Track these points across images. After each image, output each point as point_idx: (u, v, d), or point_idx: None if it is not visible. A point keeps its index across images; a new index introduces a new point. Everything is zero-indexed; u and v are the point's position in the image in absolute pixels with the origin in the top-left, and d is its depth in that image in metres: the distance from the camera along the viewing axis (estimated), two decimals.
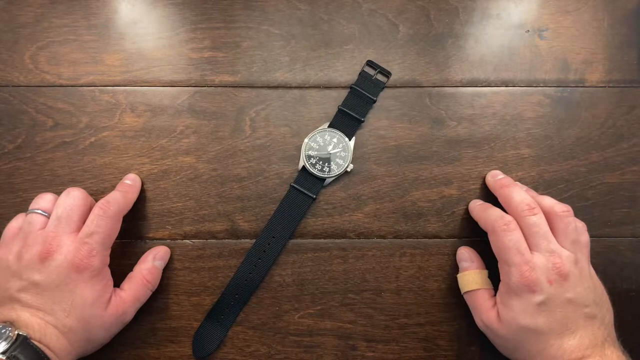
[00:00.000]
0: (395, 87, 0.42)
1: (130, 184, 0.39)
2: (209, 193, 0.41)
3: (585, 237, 0.37)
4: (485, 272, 0.38)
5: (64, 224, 0.34)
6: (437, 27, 0.42)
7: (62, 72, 0.41)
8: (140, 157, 0.41)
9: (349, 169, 0.40)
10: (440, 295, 0.40)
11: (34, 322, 0.32)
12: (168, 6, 0.42)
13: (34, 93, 0.41)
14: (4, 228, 0.37)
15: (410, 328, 0.40)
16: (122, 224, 0.37)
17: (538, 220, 0.35)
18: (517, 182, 0.40)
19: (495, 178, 0.40)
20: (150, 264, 0.38)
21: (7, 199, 0.40)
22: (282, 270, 0.40)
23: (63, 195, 0.36)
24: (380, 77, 0.42)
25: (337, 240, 0.41)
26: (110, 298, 0.35)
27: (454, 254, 0.40)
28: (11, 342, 0.30)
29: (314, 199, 0.40)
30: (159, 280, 0.39)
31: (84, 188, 0.38)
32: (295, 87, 0.42)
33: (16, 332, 0.30)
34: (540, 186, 0.41)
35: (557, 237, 0.35)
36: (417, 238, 0.41)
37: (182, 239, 0.40)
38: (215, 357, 0.40)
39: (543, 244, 0.34)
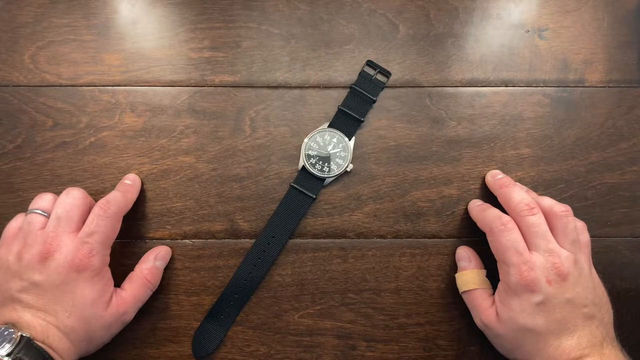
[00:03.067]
0: (395, 87, 0.42)
1: (130, 183, 0.39)
2: (209, 193, 0.41)
3: (585, 237, 0.37)
4: (484, 271, 0.38)
5: (64, 224, 0.34)
6: (437, 27, 0.42)
7: (62, 72, 0.41)
8: (140, 157, 0.41)
9: (348, 169, 0.40)
10: (439, 295, 0.40)
11: (36, 323, 0.32)
12: (168, 6, 0.42)
13: (34, 93, 0.41)
14: (3, 228, 0.37)
15: (409, 328, 0.40)
16: (122, 224, 0.37)
17: (537, 220, 0.35)
18: (517, 182, 0.40)
19: (495, 178, 0.40)
20: (151, 264, 0.38)
21: (7, 199, 0.40)
22: (282, 270, 0.40)
23: (63, 195, 0.36)
24: (380, 77, 0.42)
25: (336, 240, 0.41)
26: (110, 298, 0.35)
27: (454, 254, 0.40)
28: (15, 343, 0.30)
29: (314, 199, 0.40)
30: (159, 280, 0.39)
31: (84, 188, 0.38)
32: (295, 87, 0.42)
33: (19, 334, 0.30)
34: (539, 186, 0.41)
35: (557, 237, 0.35)
36: (417, 238, 0.41)
37: (182, 239, 0.40)
38: (215, 357, 0.40)
39: (542, 244, 0.34)
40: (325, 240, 0.41)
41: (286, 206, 0.40)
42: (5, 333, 0.30)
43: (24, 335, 0.30)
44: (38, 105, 0.41)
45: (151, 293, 0.38)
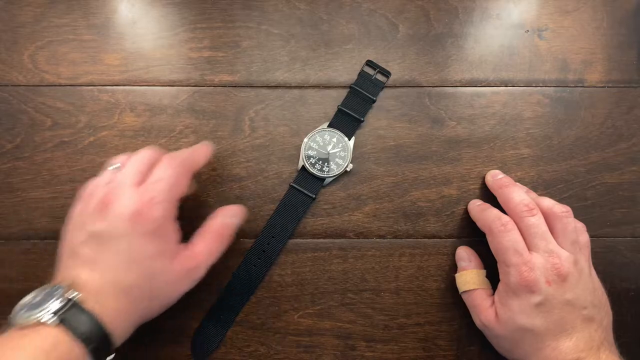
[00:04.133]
0: (395, 87, 0.42)
1: (200, 145, 0.38)
2: (209, 193, 0.41)
3: (584, 238, 0.37)
4: (483, 271, 0.38)
5: (130, 176, 0.33)
6: (437, 27, 0.42)
7: (61, 72, 0.41)
8: None
9: (348, 169, 0.40)
10: (439, 295, 0.40)
11: (93, 282, 0.30)
12: (167, 6, 0.42)
13: (33, 92, 0.41)
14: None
15: (409, 328, 0.40)
16: None
17: (537, 221, 0.35)
18: (517, 183, 0.40)
19: (495, 178, 0.40)
20: (224, 219, 0.36)
21: (6, 199, 0.40)
22: (282, 270, 0.40)
23: (135, 152, 0.35)
24: (379, 76, 0.42)
25: (336, 240, 0.41)
26: (176, 251, 0.33)
27: (454, 254, 0.40)
28: (64, 303, 0.28)
29: (314, 199, 0.40)
30: (231, 238, 0.37)
31: None
32: (295, 87, 0.42)
33: (70, 293, 0.29)
34: (539, 186, 0.41)
35: (557, 237, 0.35)
36: (417, 238, 0.41)
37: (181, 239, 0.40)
38: (215, 357, 0.39)
39: (542, 245, 0.34)
40: (325, 240, 0.41)
41: (286, 206, 0.40)
42: (56, 291, 0.29)
43: (74, 296, 0.29)
44: (37, 105, 0.41)
45: (223, 251, 0.36)
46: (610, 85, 0.42)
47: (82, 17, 0.42)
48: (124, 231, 0.31)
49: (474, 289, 0.38)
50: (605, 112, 0.42)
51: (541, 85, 0.42)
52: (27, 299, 0.29)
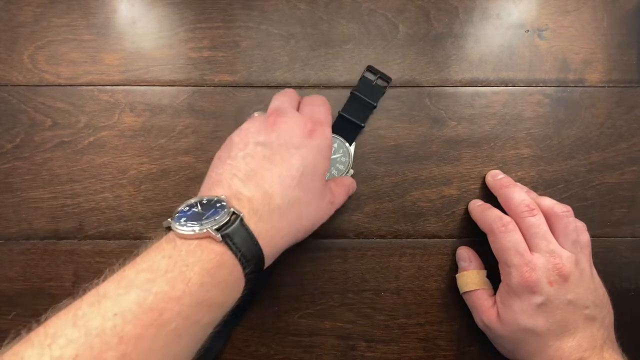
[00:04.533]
0: (395, 87, 0.42)
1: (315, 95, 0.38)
2: None
3: (585, 237, 0.37)
4: (484, 272, 0.38)
5: (286, 102, 0.34)
6: (437, 27, 0.42)
7: (61, 72, 0.41)
8: (139, 156, 0.41)
9: (349, 174, 0.40)
10: (439, 295, 0.40)
11: (257, 197, 0.29)
12: (167, 6, 0.42)
13: (32, 92, 0.41)
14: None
15: (409, 328, 0.40)
16: (120, 225, 0.37)
17: (537, 221, 0.35)
18: (517, 183, 0.40)
19: (495, 178, 0.40)
20: (352, 183, 0.38)
21: (5, 199, 0.40)
22: (282, 270, 0.40)
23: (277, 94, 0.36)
24: (380, 82, 0.42)
25: (336, 240, 0.41)
26: (325, 180, 0.33)
27: (454, 254, 0.40)
28: (228, 218, 0.27)
29: None
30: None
31: (83, 188, 0.38)
32: (295, 87, 0.42)
33: (232, 210, 0.27)
34: (539, 186, 0.41)
35: (558, 237, 0.35)
36: (417, 238, 0.41)
37: None
38: (215, 357, 0.39)
39: (543, 245, 0.34)
40: (325, 240, 0.41)
41: None
42: (217, 204, 0.27)
43: (237, 212, 0.27)
44: (37, 105, 0.41)
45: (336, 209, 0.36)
46: (610, 85, 0.42)
47: (82, 17, 0.42)
48: (299, 143, 0.30)
49: (475, 290, 0.38)
50: (605, 112, 0.42)
51: (541, 85, 0.42)
52: (184, 207, 0.28)
